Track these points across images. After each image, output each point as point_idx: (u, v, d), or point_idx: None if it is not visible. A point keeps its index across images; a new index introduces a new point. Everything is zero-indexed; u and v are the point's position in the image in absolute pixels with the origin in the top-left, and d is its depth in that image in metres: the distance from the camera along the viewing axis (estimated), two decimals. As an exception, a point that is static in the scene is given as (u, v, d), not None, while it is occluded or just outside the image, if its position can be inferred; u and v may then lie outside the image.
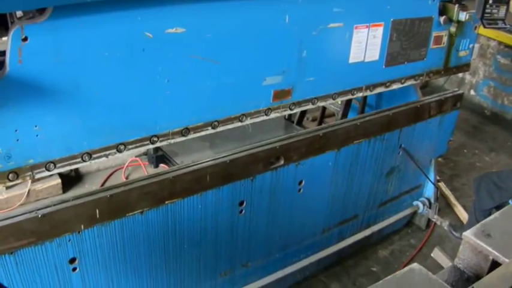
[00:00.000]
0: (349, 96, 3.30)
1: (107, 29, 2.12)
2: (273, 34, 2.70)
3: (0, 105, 1.96)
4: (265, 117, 2.88)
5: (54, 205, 2.35)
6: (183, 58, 2.41)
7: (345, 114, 4.55)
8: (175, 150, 3.18)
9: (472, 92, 7.65)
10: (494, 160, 6.35)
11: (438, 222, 4.63)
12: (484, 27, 3.73)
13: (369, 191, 4.03)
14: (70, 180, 4.92)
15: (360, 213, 4.11)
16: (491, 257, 1.53)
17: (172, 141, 2.56)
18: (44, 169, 2.20)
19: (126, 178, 5.21)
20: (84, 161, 2.30)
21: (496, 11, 3.69)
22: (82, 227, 2.44)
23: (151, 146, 2.51)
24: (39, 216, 2.28)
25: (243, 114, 2.78)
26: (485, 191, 3.98)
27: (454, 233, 4.45)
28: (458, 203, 5.14)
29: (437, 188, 4.68)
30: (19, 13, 2.32)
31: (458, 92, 4.26)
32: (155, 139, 2.49)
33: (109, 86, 2.23)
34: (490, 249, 1.52)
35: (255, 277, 3.53)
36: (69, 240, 2.43)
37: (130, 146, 2.42)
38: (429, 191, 4.67)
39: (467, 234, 1.57)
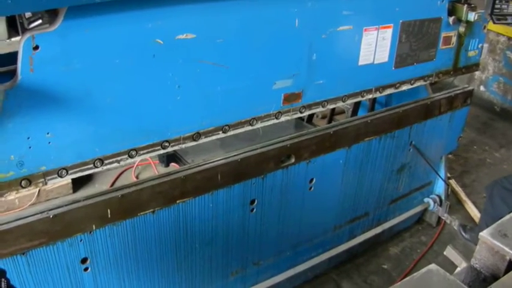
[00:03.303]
0: (359, 98, 3.30)
1: (117, 36, 2.13)
2: (282, 38, 2.70)
3: (13, 113, 1.97)
4: (275, 121, 2.88)
5: (65, 205, 2.35)
6: (194, 63, 2.41)
7: (355, 112, 4.54)
8: (186, 149, 3.17)
9: (482, 88, 7.62)
10: (504, 156, 6.32)
11: (448, 221, 4.62)
12: (494, 23, 3.71)
13: (379, 189, 4.02)
14: (80, 179, 4.91)
15: (371, 211, 4.10)
16: (508, 257, 1.52)
17: (183, 146, 2.57)
18: (56, 175, 2.21)
19: (136, 177, 5.22)
20: (96, 167, 2.31)
21: (506, 6, 3.66)
22: (93, 227, 2.44)
23: (162, 151, 2.51)
24: (51, 216, 2.28)
25: (254, 118, 2.78)
26: (499, 198, 3.95)
27: (463, 234, 4.44)
28: (469, 200, 5.12)
29: (448, 185, 4.66)
30: (28, 14, 2.33)
31: (469, 88, 4.24)
32: (166, 144, 2.49)
33: (120, 93, 2.23)
34: (507, 249, 1.51)
35: (267, 275, 3.53)
36: (81, 240, 2.44)
37: (141, 152, 2.43)
38: (440, 187, 4.65)
39: (484, 234, 1.56)
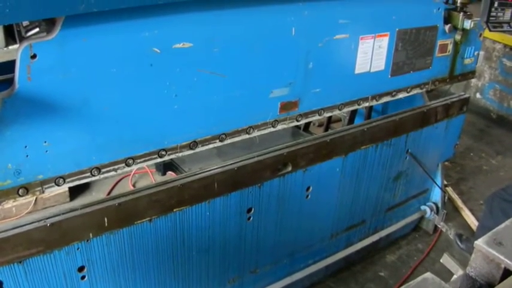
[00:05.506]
0: (355, 107, 3.31)
1: (114, 45, 2.14)
2: (279, 47, 2.71)
3: (10, 122, 1.98)
4: (272, 129, 2.89)
5: (62, 214, 2.35)
6: (191, 72, 2.42)
7: (351, 120, 4.55)
8: (183, 158, 3.18)
9: (478, 95, 7.65)
10: (501, 163, 6.33)
11: (444, 230, 4.62)
12: (490, 30, 3.72)
13: (376, 196, 4.02)
14: (77, 188, 4.91)
15: (368, 219, 4.10)
16: (503, 265, 1.53)
17: (180, 154, 2.57)
18: (53, 184, 2.21)
19: (133, 185, 5.22)
20: (93, 175, 2.32)
21: (502, 14, 3.68)
22: (91, 235, 2.44)
23: (159, 160, 2.52)
24: (48, 224, 2.29)
25: (250, 127, 2.79)
26: (499, 210, 3.95)
27: (459, 243, 4.44)
28: (466, 207, 5.12)
29: (444, 192, 4.67)
30: (25, 22, 2.33)
31: (465, 96, 4.26)
32: (163, 153, 2.50)
33: (117, 102, 2.24)
34: (501, 257, 1.51)
35: (264, 283, 3.53)
36: (78, 249, 2.44)
37: (138, 160, 2.44)
38: (436, 195, 4.65)
39: (479, 242, 1.56)
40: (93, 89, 2.15)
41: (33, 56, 1.94)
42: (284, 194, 3.20)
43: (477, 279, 1.61)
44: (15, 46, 2.05)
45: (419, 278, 1.40)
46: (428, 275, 1.41)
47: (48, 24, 2.02)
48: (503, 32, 4.00)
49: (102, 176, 2.35)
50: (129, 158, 2.39)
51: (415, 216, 4.64)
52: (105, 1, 1.95)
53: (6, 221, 4.49)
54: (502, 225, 1.65)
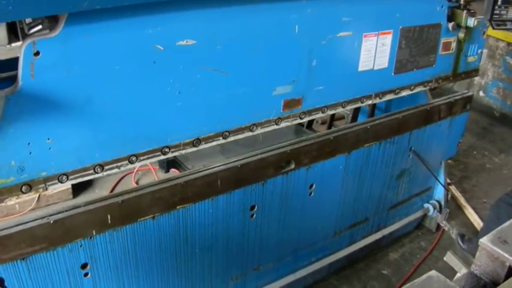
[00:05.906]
0: (359, 104, 3.31)
1: (117, 43, 2.14)
2: (282, 44, 2.71)
3: (13, 119, 1.97)
4: (275, 127, 2.89)
5: (66, 211, 2.35)
6: (194, 70, 2.42)
7: (354, 118, 4.54)
8: (186, 155, 3.18)
9: (481, 93, 7.63)
10: (504, 161, 6.32)
11: (446, 229, 4.62)
12: (493, 28, 3.72)
13: (379, 194, 4.02)
14: (80, 185, 4.90)
15: (371, 216, 4.10)
16: (508, 264, 1.52)
17: (183, 151, 2.57)
18: (56, 181, 2.21)
19: (136, 183, 5.22)
20: (97, 172, 2.32)
21: (505, 12, 3.67)
22: (94, 232, 2.44)
23: (162, 157, 2.52)
24: (51, 221, 2.28)
25: (254, 124, 2.78)
26: (507, 216, 3.93)
27: (461, 244, 4.43)
28: (469, 205, 5.12)
29: (448, 190, 4.66)
30: (28, 19, 2.33)
31: (468, 94, 4.25)
32: (166, 150, 2.50)
33: (121, 99, 2.24)
34: (506, 255, 1.51)
35: (267, 281, 3.53)
36: (81, 246, 2.43)
37: (142, 158, 2.44)
38: (439, 193, 4.65)
39: (484, 240, 1.56)
40: (96, 86, 2.14)
41: (37, 53, 1.94)
42: (287, 191, 3.19)
43: (482, 277, 1.60)
44: (18, 43, 2.04)
45: (424, 276, 1.39)
46: (433, 273, 1.41)
47: (51, 22, 2.02)
48: (507, 30, 3.99)
49: (105, 173, 2.35)
50: (132, 155, 2.39)
51: (418, 214, 4.63)
52: (108, -2, 1.95)
53: (9, 218, 4.50)
54: (507, 224, 1.64)
